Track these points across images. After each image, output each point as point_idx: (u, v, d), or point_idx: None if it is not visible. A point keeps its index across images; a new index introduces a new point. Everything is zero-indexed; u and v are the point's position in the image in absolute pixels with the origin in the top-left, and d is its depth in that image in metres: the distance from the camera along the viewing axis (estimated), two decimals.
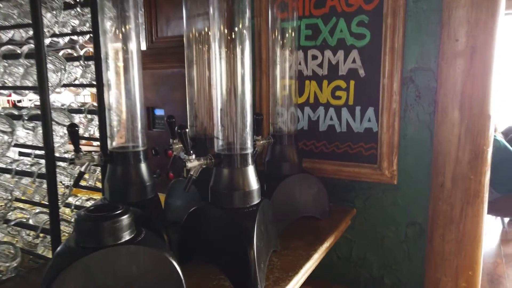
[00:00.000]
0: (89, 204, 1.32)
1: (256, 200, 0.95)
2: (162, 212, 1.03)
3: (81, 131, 1.25)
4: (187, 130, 0.88)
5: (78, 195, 1.37)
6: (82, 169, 0.97)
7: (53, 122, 1.06)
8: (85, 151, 1.01)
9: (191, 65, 1.21)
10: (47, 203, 1.07)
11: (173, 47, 1.54)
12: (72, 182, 1.19)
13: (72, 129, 0.93)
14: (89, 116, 1.23)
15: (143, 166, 1.00)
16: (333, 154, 1.40)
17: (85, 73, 1.20)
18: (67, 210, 1.34)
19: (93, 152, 1.01)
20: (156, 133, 1.61)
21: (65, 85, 1.11)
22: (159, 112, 1.62)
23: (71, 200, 1.33)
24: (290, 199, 1.22)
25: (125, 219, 0.75)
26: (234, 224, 0.90)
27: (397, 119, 1.28)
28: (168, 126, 1.15)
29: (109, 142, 1.00)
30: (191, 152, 0.90)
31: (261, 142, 1.18)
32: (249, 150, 0.94)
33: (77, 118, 1.27)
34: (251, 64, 0.93)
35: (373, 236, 1.40)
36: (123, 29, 0.98)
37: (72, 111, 1.22)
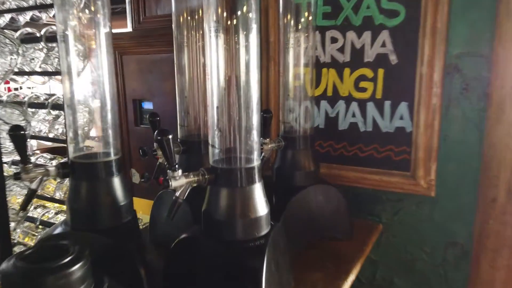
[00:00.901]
0: (58, 220, 1.08)
1: (265, 229, 0.71)
2: (140, 240, 0.79)
3: (46, 130, 1.01)
4: (169, 137, 0.63)
5: (47, 206, 1.14)
6: (33, 186, 0.72)
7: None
8: (48, 159, 0.77)
9: (181, 49, 0.96)
10: None
11: (163, 27, 1.29)
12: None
13: (15, 133, 0.69)
14: (54, 112, 0.98)
15: (116, 181, 0.76)
16: (355, 159, 1.15)
17: (48, 58, 0.95)
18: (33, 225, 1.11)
19: (52, 162, 0.77)
20: (144, 130, 1.37)
21: (17, 73, 0.87)
22: (148, 105, 1.37)
23: (38, 212, 1.10)
24: (305, 217, 0.98)
25: (77, 270, 0.51)
26: (236, 265, 0.67)
27: (437, 116, 1.04)
28: (151, 126, 0.90)
29: (69, 149, 0.75)
30: (176, 166, 0.65)
31: (269, 146, 0.94)
32: (256, 162, 0.70)
33: (42, 115, 1.03)
34: (258, 47, 0.68)
35: (403, 257, 1.16)
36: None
37: (33, 105, 0.98)
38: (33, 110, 0.98)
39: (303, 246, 0.97)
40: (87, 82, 0.76)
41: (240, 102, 0.68)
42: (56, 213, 1.08)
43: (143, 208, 1.65)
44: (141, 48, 1.33)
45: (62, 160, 1.02)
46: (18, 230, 1.03)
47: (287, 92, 1.02)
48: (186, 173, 0.67)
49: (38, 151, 1.19)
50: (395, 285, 1.19)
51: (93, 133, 0.76)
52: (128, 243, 0.74)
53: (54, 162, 1.00)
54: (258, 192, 0.70)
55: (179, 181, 0.66)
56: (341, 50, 1.13)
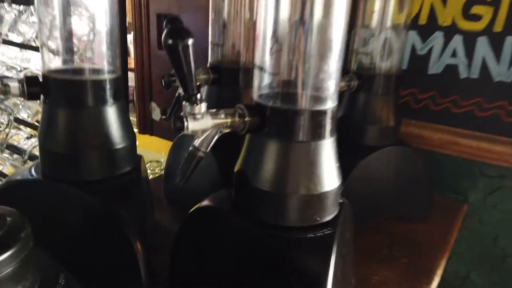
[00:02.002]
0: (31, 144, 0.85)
1: (332, 212, 0.44)
2: (142, 202, 0.55)
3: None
4: (189, 41, 0.36)
5: (21, 131, 0.90)
6: None
7: None
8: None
9: None
10: None
11: None
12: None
13: None
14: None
15: (111, 112, 0.51)
16: (445, 115, 0.85)
17: None
18: None
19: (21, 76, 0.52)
20: None
21: None
22: None
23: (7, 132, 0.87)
24: (373, 189, 0.71)
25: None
26: (284, 264, 0.41)
27: None
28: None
29: (43, 58, 0.50)
30: (198, 96, 0.38)
31: (341, 84, 0.65)
32: (331, 104, 0.42)
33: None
34: None
35: (489, 250, 0.88)
36: None
37: None
38: None
39: (363, 228, 0.71)
40: None
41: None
42: (28, 138, 0.85)
43: (165, 150, 1.42)
44: None
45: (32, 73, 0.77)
46: None
47: (363, 17, 0.71)
48: (214, 110, 0.40)
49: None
50: (471, 282, 0.92)
51: (76, 38, 0.49)
52: (120, 205, 0.49)
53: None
54: (328, 152, 0.43)
55: (202, 122, 0.39)
56: None
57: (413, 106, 0.87)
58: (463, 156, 0.85)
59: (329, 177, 0.43)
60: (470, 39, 0.79)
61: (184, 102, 0.38)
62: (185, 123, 0.38)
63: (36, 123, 0.85)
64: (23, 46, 0.85)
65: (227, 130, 0.41)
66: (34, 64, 0.97)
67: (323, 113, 0.41)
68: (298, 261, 0.40)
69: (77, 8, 0.48)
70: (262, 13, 0.41)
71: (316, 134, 0.41)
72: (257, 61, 0.42)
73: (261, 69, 0.41)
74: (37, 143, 0.82)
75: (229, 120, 0.40)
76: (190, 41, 0.35)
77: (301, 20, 0.39)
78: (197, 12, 1.02)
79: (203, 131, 0.39)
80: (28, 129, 0.88)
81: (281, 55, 0.40)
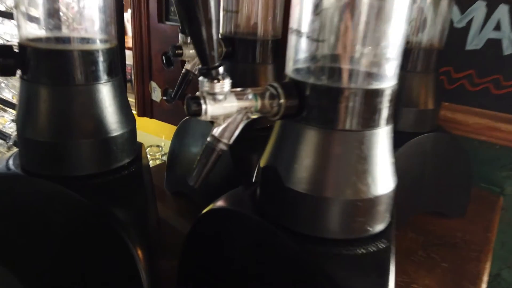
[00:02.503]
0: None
1: (385, 220, 0.35)
2: (142, 201, 0.46)
3: None
4: None
5: (6, 113, 0.81)
6: None
7: None
8: None
9: None
10: None
11: None
12: None
13: None
14: None
15: (105, 91, 0.41)
16: (484, 97, 0.75)
17: None
18: None
19: None
20: (171, 29, 0.99)
21: None
22: None
23: None
24: (409, 182, 0.62)
25: None
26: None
27: None
28: (178, 9, 0.52)
29: (20, 24, 0.40)
30: (221, 68, 0.29)
31: None
32: (390, 82, 0.33)
33: None
34: None
35: None
36: None
37: None
38: None
39: (400, 226, 0.63)
40: None
41: None
42: (14, 121, 0.75)
43: (166, 133, 1.32)
44: None
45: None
46: None
47: None
48: (239, 90, 0.31)
49: None
50: (502, 280, 0.85)
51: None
52: (117, 206, 0.40)
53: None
54: (383, 145, 0.33)
55: (224, 105, 0.29)
56: None
57: (447, 87, 0.78)
58: (502, 144, 0.76)
59: (385, 176, 0.34)
60: None
61: (201, 78, 0.29)
62: (203, 106, 0.28)
63: None
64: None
65: (255, 116, 0.32)
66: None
67: (380, 93, 0.32)
68: (345, 284, 0.32)
69: None
70: None
71: (371, 121, 0.32)
72: (293, 23, 0.32)
73: (299, 33, 0.31)
74: None
75: (259, 102, 0.31)
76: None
77: None
78: None
79: (226, 116, 0.30)
80: (14, 111, 0.78)
81: (328, 13, 0.30)
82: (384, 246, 0.34)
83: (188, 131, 0.67)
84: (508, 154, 0.76)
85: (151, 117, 1.13)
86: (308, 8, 0.31)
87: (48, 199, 0.40)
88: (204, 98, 0.28)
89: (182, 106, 1.04)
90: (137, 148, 0.47)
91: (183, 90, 0.54)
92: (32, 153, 0.40)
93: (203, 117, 0.29)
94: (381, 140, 0.33)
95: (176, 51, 0.50)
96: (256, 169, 0.39)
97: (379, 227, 0.34)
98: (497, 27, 0.71)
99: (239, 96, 0.30)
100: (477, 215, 0.71)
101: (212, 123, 0.31)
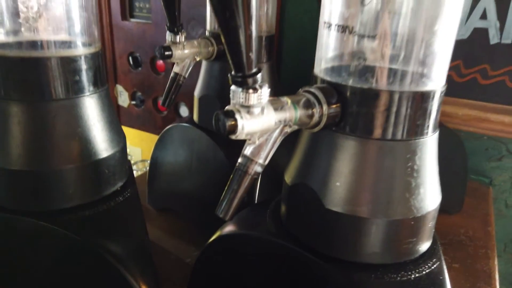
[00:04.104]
0: None
1: (430, 237, 0.32)
2: (140, 233, 0.39)
3: None
4: None
5: None
6: None
7: None
8: None
9: None
10: None
11: None
12: None
13: None
14: None
15: (89, 105, 0.34)
16: (472, 87, 0.74)
17: None
18: None
19: None
20: (136, 26, 0.90)
21: None
22: None
23: None
24: None
25: None
26: None
27: None
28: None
29: None
30: (258, 75, 0.23)
31: None
32: (439, 84, 0.29)
33: None
34: None
35: None
36: None
37: None
38: None
39: None
40: None
41: None
42: None
43: (134, 140, 1.23)
44: None
45: None
46: None
47: None
48: (275, 99, 0.25)
49: None
50: None
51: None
52: (113, 241, 0.34)
53: None
54: (431, 155, 0.30)
55: (263, 119, 0.24)
56: None
57: None
58: (490, 134, 0.75)
59: (432, 190, 0.30)
60: None
61: (233, 88, 0.23)
62: (239, 122, 0.23)
63: None
64: None
65: (292, 129, 0.27)
66: None
67: (429, 97, 0.28)
68: None
69: None
70: None
71: (418, 128, 0.28)
72: (328, 16, 0.28)
73: (345, 28, 0.27)
74: None
75: (298, 112, 0.26)
76: None
77: None
78: None
79: (263, 132, 0.25)
80: None
81: (374, 5, 0.26)
82: (436, 265, 0.30)
83: (172, 141, 0.60)
84: (496, 145, 0.76)
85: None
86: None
87: (31, 237, 0.33)
88: (239, 112, 0.23)
89: (151, 111, 0.96)
90: (128, 168, 0.40)
91: (174, 96, 0.48)
92: (6, 184, 0.33)
93: (238, 135, 0.23)
94: (430, 149, 0.29)
95: (165, 53, 0.44)
96: (282, 186, 0.34)
97: (427, 245, 0.31)
98: (483, 16, 0.70)
99: (275, 104, 0.25)
100: (473, 208, 0.70)
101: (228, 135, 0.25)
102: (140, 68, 0.93)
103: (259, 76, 0.23)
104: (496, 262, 0.57)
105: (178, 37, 0.44)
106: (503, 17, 0.68)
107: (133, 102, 0.98)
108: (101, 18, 0.95)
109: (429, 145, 0.29)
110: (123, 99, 0.99)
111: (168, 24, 0.44)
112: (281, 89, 0.45)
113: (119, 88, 1.00)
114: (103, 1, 0.92)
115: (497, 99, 0.72)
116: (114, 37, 0.96)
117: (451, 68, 0.74)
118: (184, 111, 0.90)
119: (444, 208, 0.66)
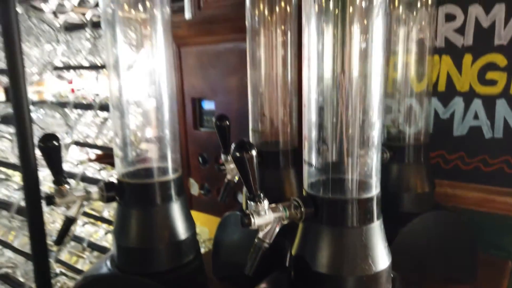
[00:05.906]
0: (109, 241, 0.92)
1: None
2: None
3: (93, 135, 0.85)
4: (253, 152, 0.42)
5: (97, 223, 0.98)
6: (70, 213, 0.55)
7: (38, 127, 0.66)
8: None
9: (255, 35, 0.75)
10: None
11: (228, 13, 1.09)
12: None
13: (47, 145, 0.51)
14: (103, 114, 0.82)
15: (176, 208, 0.57)
16: (477, 174, 0.88)
17: (95, 48, 0.79)
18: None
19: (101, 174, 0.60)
20: (204, 133, 1.18)
21: (57, 68, 0.71)
22: (209, 105, 1.19)
23: (87, 229, 0.94)
24: (416, 254, 0.74)
25: None
26: None
27: None
28: (218, 132, 0.70)
29: (117, 164, 0.57)
30: (261, 195, 0.44)
31: None
32: (376, 191, 0.47)
33: (90, 116, 0.87)
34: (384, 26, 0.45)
35: None
36: None
37: (80, 106, 0.82)
38: (79, 112, 0.82)
39: None
40: (141, 77, 0.57)
41: (355, 102, 0.45)
42: (107, 233, 0.92)
43: (205, 222, 1.47)
44: (202, 38, 1.14)
45: (109, 179, 0.85)
46: (64, 250, 0.89)
47: (388, 87, 0.78)
48: (274, 205, 0.46)
49: (88, 158, 1.04)
50: None
51: (146, 143, 0.57)
52: None
53: (104, 174, 0.84)
54: (377, 234, 0.47)
55: (266, 217, 0.44)
56: (461, 30, 0.86)
57: (444, 167, 0.91)
58: (500, 213, 0.87)
59: (382, 256, 0.47)
60: (489, 102, 0.84)
61: (249, 202, 0.44)
62: (252, 220, 0.43)
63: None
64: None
65: (285, 222, 0.46)
66: None
67: (370, 200, 0.46)
68: None
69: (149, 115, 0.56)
70: (306, 112, 0.48)
71: (366, 219, 0.46)
72: (306, 157, 0.48)
73: (310, 165, 0.47)
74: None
75: (287, 212, 0.46)
76: (254, 153, 0.42)
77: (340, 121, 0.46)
78: (229, 94, 1.12)
79: (266, 224, 0.45)
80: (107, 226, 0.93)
81: (325, 155, 0.46)
82: None
83: (230, 224, 0.81)
84: (508, 221, 0.87)
85: (190, 209, 1.28)
86: (314, 148, 0.47)
87: None
88: (252, 215, 0.44)
89: (216, 199, 1.20)
90: (198, 246, 0.62)
91: (227, 193, 0.70)
92: (126, 256, 0.55)
93: (252, 227, 0.44)
94: (376, 231, 0.47)
95: (220, 167, 0.67)
96: (288, 256, 0.53)
97: None
98: (476, 117, 0.86)
99: (274, 210, 0.45)
100: (489, 280, 0.80)
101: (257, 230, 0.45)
102: (207, 165, 1.19)
103: (262, 195, 0.44)
104: None
105: (229, 156, 0.68)
106: (492, 117, 0.84)
107: (202, 192, 1.22)
108: (179, 129, 1.25)
109: (375, 229, 0.47)
110: (194, 189, 1.24)
111: (222, 149, 0.67)
112: None
113: (191, 180, 1.26)
114: (181, 117, 1.23)
115: (499, 183, 0.85)
116: (188, 142, 1.25)
117: (457, 158, 0.89)
118: (241, 197, 1.12)
119: (456, 277, 0.78)
